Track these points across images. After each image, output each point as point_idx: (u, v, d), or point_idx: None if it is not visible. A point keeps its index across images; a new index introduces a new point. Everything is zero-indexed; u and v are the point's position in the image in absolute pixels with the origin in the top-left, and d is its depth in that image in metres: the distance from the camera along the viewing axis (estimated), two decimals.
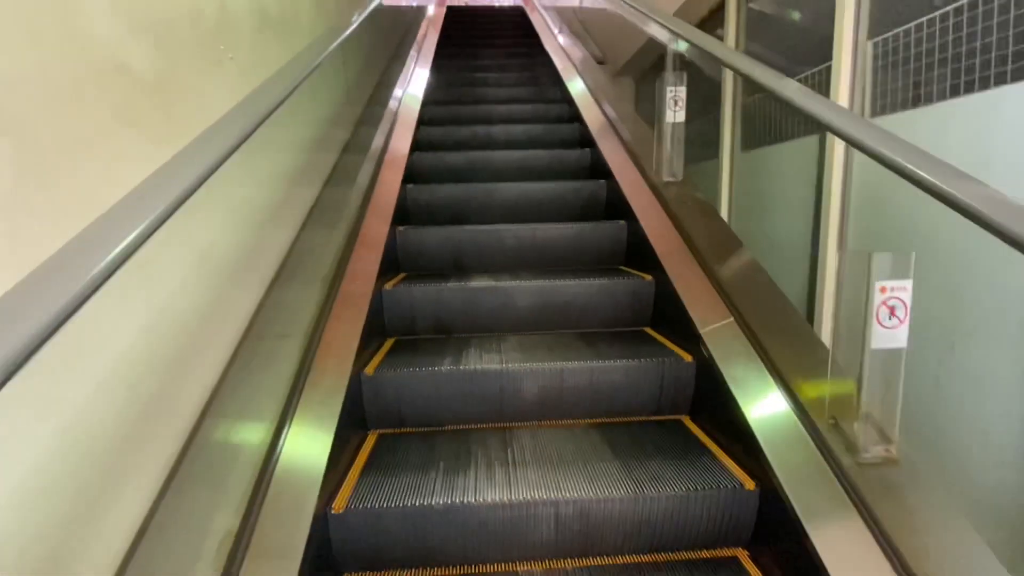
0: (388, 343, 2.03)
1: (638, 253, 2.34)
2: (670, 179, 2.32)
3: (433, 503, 1.32)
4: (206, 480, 1.14)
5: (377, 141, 2.81)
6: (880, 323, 1.12)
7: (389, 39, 4.20)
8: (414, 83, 3.89)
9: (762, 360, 1.52)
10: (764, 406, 1.42)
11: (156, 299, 1.14)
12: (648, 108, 3.35)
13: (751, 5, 3.34)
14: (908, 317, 1.12)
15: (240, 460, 1.19)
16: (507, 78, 4.79)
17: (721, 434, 1.57)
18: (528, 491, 1.35)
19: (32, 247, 0.84)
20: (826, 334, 2.46)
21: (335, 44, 1.92)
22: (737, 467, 1.43)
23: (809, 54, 2.67)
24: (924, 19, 2.01)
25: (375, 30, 3.58)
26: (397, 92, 3.53)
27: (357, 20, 2.29)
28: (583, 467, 1.46)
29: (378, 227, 2.26)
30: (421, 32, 5.03)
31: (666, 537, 1.37)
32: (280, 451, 1.27)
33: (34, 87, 0.89)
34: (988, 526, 1.75)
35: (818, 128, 2.57)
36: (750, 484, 1.36)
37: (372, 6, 2.63)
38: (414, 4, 6.09)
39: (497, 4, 9.10)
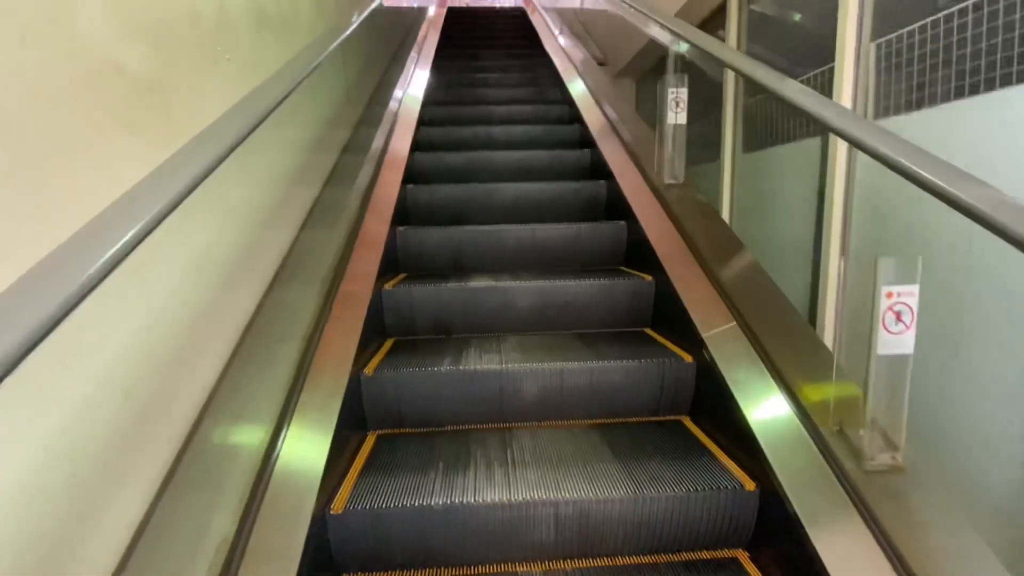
0: (388, 343, 2.03)
1: (638, 254, 2.34)
2: (671, 181, 2.31)
3: (432, 503, 1.32)
4: (204, 481, 1.14)
5: (377, 141, 2.81)
6: (886, 329, 1.11)
7: (389, 40, 4.20)
8: (414, 84, 3.89)
9: (764, 362, 1.52)
10: (765, 408, 1.41)
11: (154, 299, 1.14)
12: (648, 109, 3.35)
13: (752, 6, 3.33)
14: (915, 323, 1.11)
15: (238, 461, 1.19)
16: (507, 79, 4.80)
17: (721, 435, 1.56)
18: (528, 491, 1.35)
19: (24, 249, 0.83)
20: (828, 337, 2.46)
21: (334, 45, 1.92)
22: (737, 468, 1.43)
23: (811, 56, 2.66)
24: (928, 20, 1.99)
25: (375, 31, 3.58)
26: (397, 93, 3.53)
27: (356, 21, 2.29)
28: (583, 467, 1.45)
29: (378, 227, 2.26)
30: (421, 33, 5.03)
31: (666, 538, 1.37)
32: (278, 452, 1.26)
33: (26, 87, 0.88)
34: (994, 533, 1.74)
35: (820, 130, 2.56)
36: (750, 485, 1.35)
37: (371, 7, 2.63)
38: (415, 5, 6.10)
39: (498, 5, 9.11)
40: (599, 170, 2.94)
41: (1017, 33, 1.68)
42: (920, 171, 1.11)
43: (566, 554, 1.37)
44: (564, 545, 1.36)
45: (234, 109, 1.19)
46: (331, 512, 1.29)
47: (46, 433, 0.86)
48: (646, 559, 1.37)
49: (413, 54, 4.38)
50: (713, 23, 3.73)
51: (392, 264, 2.37)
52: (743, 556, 1.37)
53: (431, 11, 5.91)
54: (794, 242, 2.76)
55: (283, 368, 1.43)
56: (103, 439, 0.98)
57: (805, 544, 1.13)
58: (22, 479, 0.81)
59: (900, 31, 2.12)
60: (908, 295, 1.10)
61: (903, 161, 1.15)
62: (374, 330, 1.95)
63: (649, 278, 2.12)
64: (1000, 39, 1.73)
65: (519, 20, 6.59)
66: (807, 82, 2.64)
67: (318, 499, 1.21)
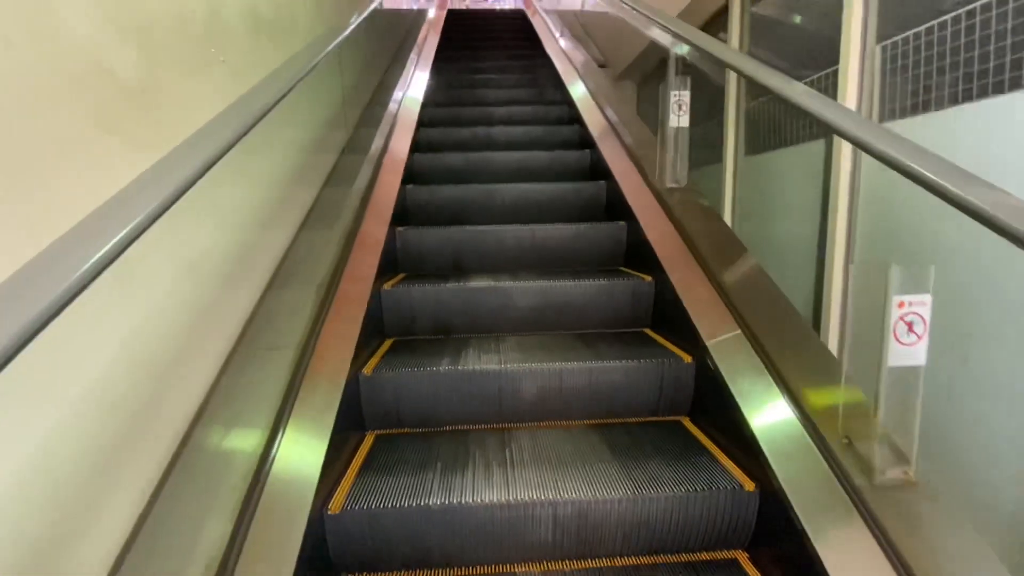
0: (387, 343, 2.02)
1: (638, 254, 2.33)
2: (673, 185, 2.29)
3: (430, 504, 1.31)
4: (201, 483, 1.13)
5: (377, 142, 2.81)
6: (898, 339, 1.08)
7: (389, 41, 4.20)
8: (414, 85, 3.89)
9: (764, 364, 1.51)
10: (766, 409, 1.40)
11: (147, 303, 1.14)
12: (649, 111, 3.35)
13: (755, 9, 3.32)
14: (927, 333, 1.07)
15: (234, 462, 1.18)
16: (507, 80, 4.80)
17: (721, 435, 1.56)
18: (526, 492, 1.34)
19: (2, 257, 0.80)
20: (833, 343, 2.44)
21: (332, 46, 1.91)
22: (737, 468, 1.42)
23: (814, 58, 2.65)
24: (935, 22, 1.96)
25: (375, 32, 3.59)
26: (397, 94, 3.53)
27: (354, 23, 2.29)
28: (582, 468, 1.45)
29: (377, 228, 2.25)
30: (422, 35, 5.03)
31: (665, 538, 1.36)
32: (275, 452, 1.26)
33: (7, 92, 0.86)
34: (1003, 542, 1.71)
35: (824, 133, 2.55)
36: (750, 485, 1.35)
37: (370, 8, 2.62)
38: (415, 7, 6.10)
39: (498, 7, 9.13)
40: (599, 171, 2.94)
41: None
42: (927, 173, 1.08)
43: (565, 555, 1.36)
44: (563, 546, 1.35)
45: (228, 110, 1.17)
46: (328, 512, 1.29)
47: (41, 434, 0.86)
48: (645, 560, 1.36)
49: (413, 55, 4.38)
50: (714, 26, 3.73)
51: (391, 264, 2.36)
52: (743, 557, 1.36)
53: (431, 13, 5.92)
54: (797, 246, 2.74)
55: (280, 369, 1.42)
56: (102, 437, 0.97)
57: (805, 545, 1.12)
58: (7, 488, 0.80)
59: (907, 33, 2.10)
60: (920, 305, 1.07)
61: (909, 163, 1.12)
62: (373, 330, 1.95)
63: (649, 278, 2.12)
64: (1009, 42, 1.71)
65: (519, 22, 6.60)
66: (811, 85, 2.63)
67: (315, 499, 1.21)
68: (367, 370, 1.70)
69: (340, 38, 2.03)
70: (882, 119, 2.25)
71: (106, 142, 1.06)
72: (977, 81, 1.81)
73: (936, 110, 1.98)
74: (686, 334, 1.77)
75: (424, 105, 3.71)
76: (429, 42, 4.93)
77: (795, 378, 1.41)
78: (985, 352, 1.79)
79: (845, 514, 1.15)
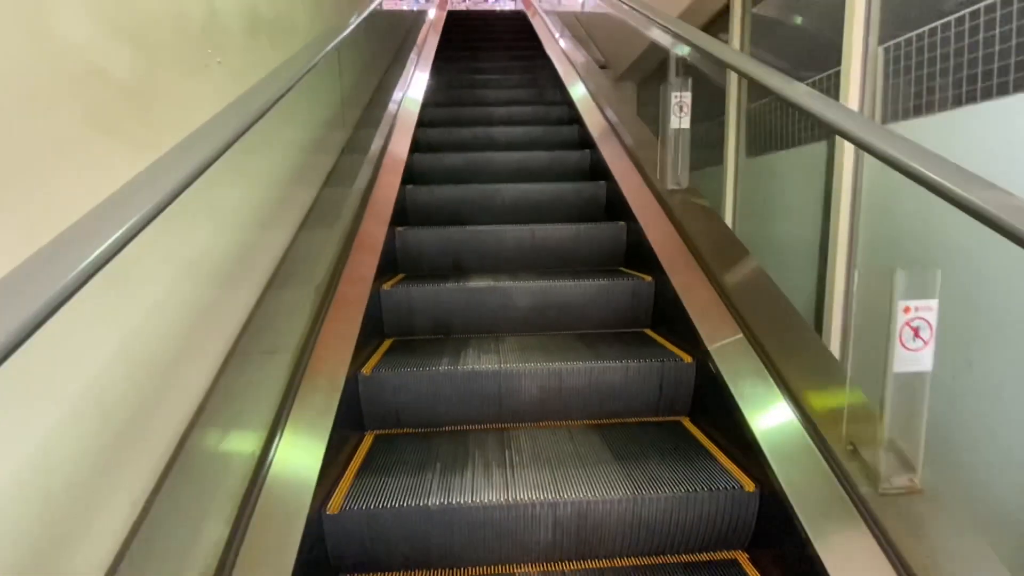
0: (386, 343, 2.02)
1: (638, 254, 2.33)
2: (674, 187, 2.27)
3: (430, 504, 1.31)
4: (200, 482, 1.13)
5: (376, 142, 2.81)
6: (903, 345, 1.05)
7: (389, 41, 4.20)
8: (414, 85, 3.89)
9: (764, 364, 1.51)
10: (766, 410, 1.40)
11: (149, 299, 1.13)
12: (649, 112, 3.34)
13: (756, 10, 3.32)
14: (933, 339, 1.05)
15: (233, 462, 1.18)
16: (507, 80, 4.80)
17: (721, 436, 1.55)
18: (526, 492, 1.34)
19: None
20: (835, 345, 2.43)
21: (331, 46, 1.91)
22: (737, 469, 1.42)
23: (816, 59, 2.64)
24: (938, 23, 1.95)
25: (375, 32, 3.59)
26: (397, 94, 3.53)
27: (353, 23, 2.29)
28: (581, 468, 1.44)
29: (376, 228, 2.25)
30: (422, 35, 5.03)
31: (665, 539, 1.36)
32: (274, 452, 1.25)
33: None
34: (1009, 548, 1.70)
35: (826, 134, 2.54)
36: (750, 486, 1.34)
37: (369, 9, 2.62)
38: (415, 8, 6.10)
39: (498, 8, 9.13)
40: (599, 171, 2.94)
41: None
42: (930, 174, 1.07)
43: (564, 555, 1.35)
44: (562, 546, 1.34)
45: (225, 111, 1.16)
46: (327, 512, 1.28)
47: (41, 431, 0.85)
48: (645, 560, 1.36)
49: (413, 56, 4.38)
50: (715, 27, 3.73)
51: (391, 265, 2.36)
52: (742, 557, 1.35)
53: (431, 13, 5.92)
54: (799, 248, 2.73)
55: (279, 369, 1.42)
56: (99, 437, 0.97)
57: (806, 546, 1.12)
58: (6, 492, 0.80)
59: (909, 34, 2.09)
60: (926, 310, 1.04)
61: (912, 164, 1.11)
62: (372, 330, 1.94)
63: (649, 279, 2.12)
64: (1015, 42, 1.69)
65: (520, 23, 6.59)
66: (812, 86, 2.63)
67: (314, 499, 1.20)
68: (366, 370, 1.70)
69: (338, 39, 2.02)
70: (884, 121, 2.24)
71: (102, 143, 1.05)
72: (981, 83, 1.79)
73: (939, 112, 1.96)
74: (686, 334, 1.77)
75: (424, 105, 3.71)
76: (429, 42, 4.93)
77: (795, 379, 1.41)
78: (990, 356, 1.77)
79: (846, 516, 1.14)
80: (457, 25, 6.18)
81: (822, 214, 2.54)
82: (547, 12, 6.08)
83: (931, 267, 1.05)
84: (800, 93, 1.50)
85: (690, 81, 2.20)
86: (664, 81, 2.24)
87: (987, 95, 1.78)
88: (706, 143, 3.69)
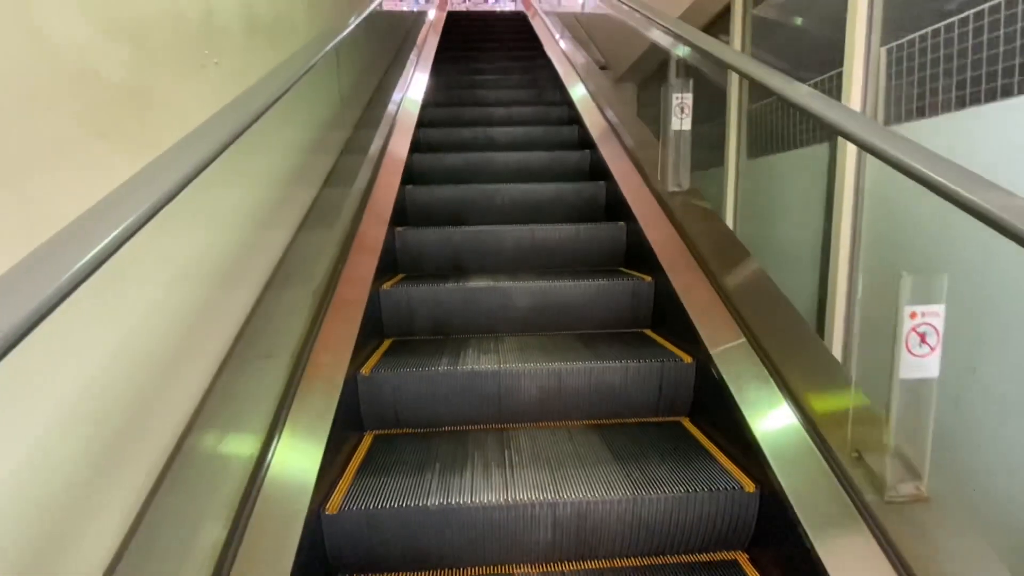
0: (385, 344, 2.01)
1: (638, 255, 2.33)
2: (676, 188, 2.26)
3: (429, 504, 1.30)
4: (198, 481, 1.12)
5: (376, 143, 2.80)
6: (910, 351, 1.04)
7: (389, 42, 4.20)
8: (414, 85, 3.89)
9: (764, 364, 1.51)
10: (766, 411, 1.40)
11: (148, 298, 1.13)
12: (650, 113, 3.33)
13: (756, 11, 3.31)
14: (940, 345, 1.04)
15: (232, 462, 1.18)
16: (507, 81, 4.80)
17: (721, 436, 1.55)
18: (525, 492, 1.33)
19: None
20: (837, 349, 2.41)
21: (329, 47, 1.90)
22: (737, 469, 1.41)
23: (817, 60, 2.62)
24: (942, 24, 1.93)
25: (374, 32, 3.59)
26: (397, 94, 3.53)
27: (351, 24, 2.28)
28: (581, 468, 1.44)
29: (376, 228, 2.25)
30: (421, 36, 5.03)
31: (665, 539, 1.35)
32: (273, 452, 1.25)
33: None
34: (1011, 551, 1.69)
35: (827, 136, 2.52)
36: (750, 486, 1.34)
37: (368, 10, 2.62)
38: (415, 9, 6.11)
39: (498, 10, 9.14)
40: (599, 171, 2.94)
41: None
42: (935, 176, 1.05)
43: (564, 556, 1.35)
44: (562, 547, 1.34)
45: (221, 113, 1.15)
46: (326, 512, 1.28)
47: (40, 428, 0.85)
48: (645, 561, 1.35)
49: (413, 56, 4.38)
50: (715, 28, 3.72)
51: (390, 265, 2.36)
52: (743, 558, 1.35)
53: (431, 14, 5.92)
54: (800, 251, 2.72)
55: (278, 369, 1.41)
56: (99, 435, 0.96)
57: (806, 547, 1.11)
58: (4, 491, 0.80)
59: (912, 35, 2.06)
60: (933, 315, 1.03)
61: (917, 166, 1.09)
62: (372, 330, 1.94)
63: (649, 279, 2.11)
64: (1018, 44, 1.67)
65: (520, 24, 6.59)
66: (814, 88, 2.61)
67: (313, 499, 1.20)
68: (365, 370, 1.69)
69: (338, 38, 2.02)
70: (887, 123, 2.22)
71: (97, 144, 1.03)
72: (985, 84, 1.78)
73: (943, 113, 1.94)
74: (686, 335, 1.76)
75: (424, 106, 3.71)
76: (429, 43, 4.93)
77: (796, 380, 1.41)
78: (995, 360, 1.75)
79: (847, 517, 1.13)
80: (457, 26, 6.18)
81: (824, 216, 2.53)
82: (547, 13, 6.08)
83: (936, 271, 1.04)
84: (802, 94, 1.48)
85: (691, 82, 2.19)
86: (665, 82, 2.23)
87: (991, 97, 1.76)
88: (707, 144, 3.68)
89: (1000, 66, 1.73)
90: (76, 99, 1.00)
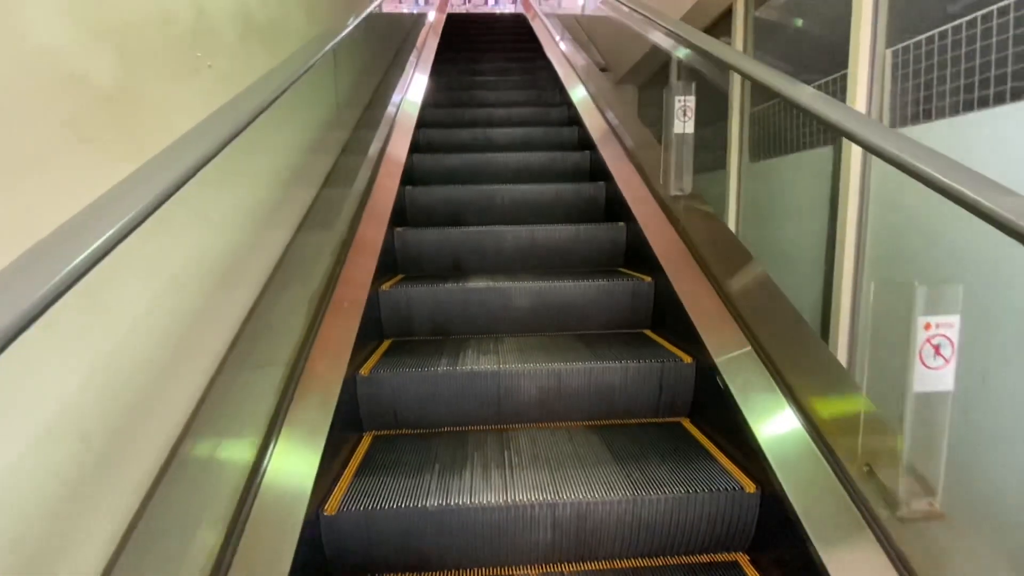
0: (385, 344, 2.01)
1: (637, 255, 2.32)
2: (678, 192, 2.24)
3: (428, 505, 1.30)
4: (197, 481, 1.12)
5: (375, 144, 2.80)
6: (924, 363, 1.01)
7: (389, 43, 4.20)
8: (413, 86, 3.88)
9: (764, 364, 1.50)
10: (766, 411, 1.39)
11: (148, 297, 1.13)
12: (651, 115, 3.32)
13: (758, 13, 3.30)
14: (955, 357, 1.01)
15: (230, 462, 1.17)
16: (508, 82, 4.80)
17: (721, 437, 1.54)
18: (525, 493, 1.33)
19: None
20: (842, 355, 2.38)
21: (327, 48, 1.89)
22: (737, 470, 1.41)
23: (821, 62, 2.60)
24: (949, 26, 1.90)
25: (374, 34, 3.58)
26: (396, 95, 3.53)
27: (349, 26, 2.28)
28: (581, 469, 1.43)
29: (375, 229, 2.24)
30: (421, 37, 5.03)
31: (665, 540, 1.34)
32: (271, 453, 1.24)
33: None
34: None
35: (832, 138, 2.50)
36: (751, 487, 1.33)
37: (366, 12, 2.61)
38: (414, 11, 6.10)
39: (498, 12, 9.14)
40: (599, 172, 2.93)
41: None
42: (948, 181, 1.01)
43: (563, 557, 1.34)
44: (561, 548, 1.33)
45: (213, 116, 1.12)
46: (324, 513, 1.27)
47: (34, 426, 0.84)
48: (645, 562, 1.34)
49: (412, 58, 4.38)
50: (717, 30, 3.72)
51: (390, 266, 2.35)
52: (743, 559, 1.34)
53: (431, 16, 5.92)
54: (804, 256, 2.69)
55: (277, 370, 1.41)
56: (99, 430, 0.96)
57: (808, 548, 1.11)
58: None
59: (919, 37, 2.04)
60: (948, 327, 1.00)
61: (931, 171, 1.05)
62: (371, 331, 1.94)
63: (648, 279, 2.11)
64: None
65: (520, 25, 6.60)
66: (817, 90, 2.58)
67: (311, 500, 1.19)
68: (364, 371, 1.69)
69: (333, 42, 2.00)
70: (893, 125, 2.19)
71: (82, 151, 1.00)
72: (994, 87, 1.75)
73: (951, 116, 1.91)
74: (686, 335, 1.76)
75: (424, 107, 3.71)
76: (429, 44, 4.93)
77: (798, 381, 1.40)
78: (1006, 368, 1.72)
79: (849, 518, 1.13)
80: (457, 28, 6.18)
81: (828, 220, 2.51)
82: (547, 15, 6.09)
83: (943, 276, 1.01)
84: (814, 98, 1.45)
85: (694, 85, 2.17)
86: (667, 85, 2.21)
87: (1000, 100, 1.73)
88: (708, 147, 3.66)
89: (1010, 69, 1.70)
90: (62, 104, 0.97)
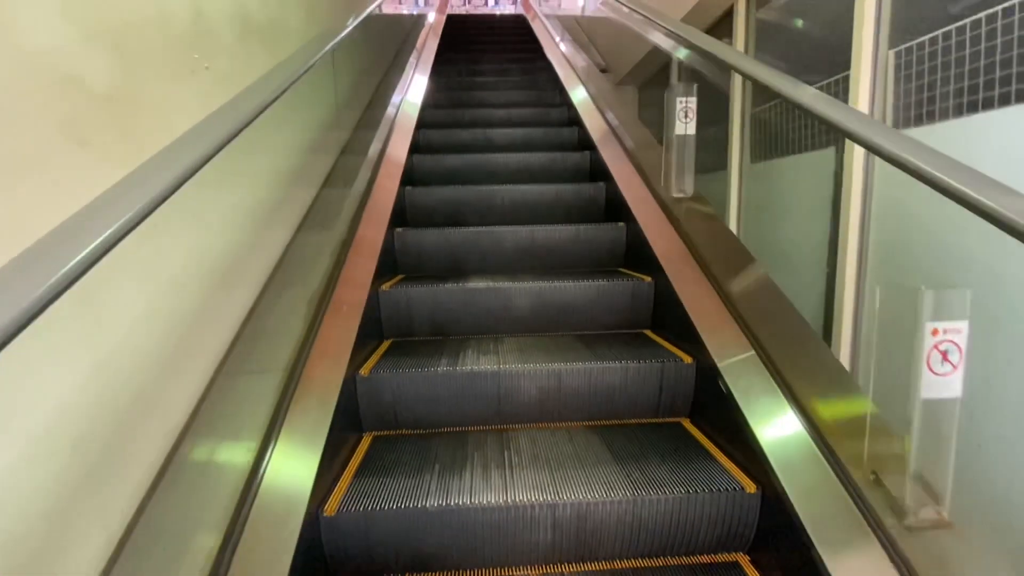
0: (385, 344, 2.01)
1: (637, 255, 2.32)
2: (680, 195, 2.21)
3: (428, 505, 1.29)
4: (196, 481, 1.12)
5: (375, 144, 2.80)
6: (931, 369, 0.99)
7: (388, 44, 4.20)
8: (413, 87, 3.89)
9: (765, 364, 1.50)
10: (767, 411, 1.39)
11: (147, 296, 1.12)
12: (651, 116, 3.31)
13: (760, 14, 3.30)
14: (963, 362, 0.99)
15: (230, 462, 1.17)
16: (508, 82, 4.80)
17: (722, 437, 1.54)
18: (525, 493, 1.32)
19: None
20: (844, 359, 2.37)
21: (325, 49, 1.88)
22: (738, 470, 1.40)
23: (823, 63, 2.59)
24: (953, 27, 1.87)
25: (373, 35, 3.58)
26: (396, 96, 3.53)
27: (349, 26, 2.27)
28: (581, 469, 1.43)
29: (375, 229, 2.24)
30: (421, 39, 5.03)
31: (665, 541, 1.34)
32: (271, 453, 1.24)
33: None
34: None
35: (834, 139, 2.49)
36: (751, 487, 1.33)
37: (365, 13, 2.61)
38: (414, 12, 6.11)
39: (498, 13, 9.15)
40: (599, 172, 2.93)
41: None
42: (951, 181, 1.00)
43: (563, 557, 1.34)
44: (561, 548, 1.33)
45: (213, 116, 1.12)
46: (324, 514, 1.27)
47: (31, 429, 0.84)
48: (645, 562, 1.34)
49: (412, 59, 4.38)
50: (718, 31, 3.71)
51: (390, 266, 2.35)
52: (744, 560, 1.34)
53: (431, 17, 5.92)
54: (806, 257, 2.67)
55: (276, 370, 1.41)
56: (102, 424, 0.96)
57: (809, 549, 1.10)
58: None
59: (922, 38, 2.01)
60: (955, 332, 0.98)
61: (930, 170, 1.04)
62: (371, 331, 1.93)
63: (648, 279, 2.11)
64: None
65: (520, 27, 6.60)
66: (819, 91, 2.57)
67: (311, 501, 1.19)
68: (364, 371, 1.68)
69: (334, 42, 2.00)
70: (896, 127, 2.17)
71: (77, 154, 0.99)
72: (999, 88, 1.72)
73: (954, 118, 1.89)
74: (687, 335, 1.75)
75: (423, 107, 3.71)
76: (428, 45, 4.93)
77: (799, 382, 1.40)
78: (1010, 372, 1.70)
79: (851, 520, 1.13)
80: (457, 29, 6.19)
81: (830, 222, 2.49)
82: (547, 16, 6.09)
83: (946, 275, 0.99)
84: (816, 99, 1.43)
85: (695, 86, 2.16)
86: (667, 85, 2.20)
87: (1005, 101, 1.71)
88: (709, 148, 3.65)
89: (1015, 70, 1.68)
90: (57, 107, 0.95)
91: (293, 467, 1.24)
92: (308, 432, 1.33)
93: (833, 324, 2.42)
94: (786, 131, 2.94)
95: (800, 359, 1.46)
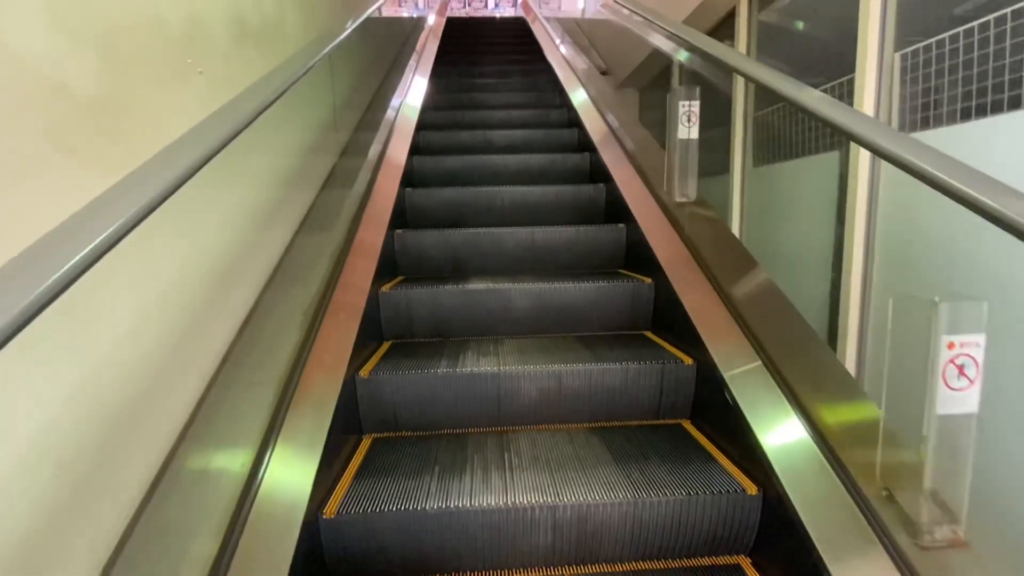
0: (384, 346, 2.00)
1: (638, 256, 2.32)
2: (683, 199, 2.19)
3: (427, 507, 1.29)
4: (196, 482, 1.11)
5: (375, 146, 2.80)
6: (947, 384, 0.96)
7: (388, 46, 4.20)
8: (413, 89, 3.89)
9: (765, 364, 1.49)
10: (768, 412, 1.38)
11: (148, 295, 1.12)
12: (652, 119, 3.30)
13: (762, 16, 3.29)
14: (980, 377, 0.96)
15: (230, 463, 1.17)
16: (508, 84, 4.81)
17: (722, 438, 1.53)
18: (525, 495, 1.32)
19: None
20: (850, 364, 2.35)
21: (323, 52, 1.87)
22: (739, 472, 1.40)
23: (827, 66, 2.57)
24: (960, 29, 1.84)
25: (373, 37, 3.59)
26: (396, 98, 3.53)
27: (348, 29, 2.27)
28: (581, 471, 1.42)
29: (375, 231, 2.24)
30: (421, 41, 5.04)
31: (666, 543, 1.34)
32: (270, 455, 1.24)
33: None
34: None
35: (838, 143, 2.47)
36: (752, 489, 1.32)
37: (364, 16, 2.61)
38: (414, 15, 6.11)
39: (498, 15, 9.17)
40: (599, 174, 2.93)
41: None
42: (957, 184, 0.98)
43: (564, 560, 1.33)
44: (562, 550, 1.32)
45: (210, 118, 1.11)
46: (323, 516, 1.27)
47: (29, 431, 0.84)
48: (646, 564, 1.34)
49: (412, 61, 4.38)
50: (719, 33, 3.71)
51: (390, 267, 2.35)
52: (745, 563, 1.33)
53: (431, 19, 5.93)
54: (810, 264, 2.66)
55: (276, 371, 1.40)
56: (88, 434, 0.95)
57: (810, 551, 1.10)
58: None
59: (928, 41, 1.99)
60: (972, 346, 0.95)
61: (937, 173, 1.02)
62: (370, 333, 1.93)
63: (649, 280, 2.10)
64: None
65: (520, 29, 6.61)
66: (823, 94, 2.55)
67: (310, 502, 1.19)
68: (364, 372, 1.68)
69: (332, 45, 1.99)
70: (902, 130, 2.15)
71: (64, 162, 0.97)
72: (1008, 92, 1.69)
73: (962, 122, 1.86)
74: (687, 336, 1.75)
75: (423, 109, 3.71)
76: (428, 48, 4.93)
77: (799, 383, 1.39)
78: (1020, 380, 1.65)
79: (853, 522, 1.12)
80: (457, 31, 6.19)
81: (835, 227, 2.48)
82: (547, 18, 6.10)
83: (960, 288, 0.96)
84: (820, 102, 1.41)
85: (698, 89, 2.14)
86: (668, 88, 2.18)
87: (1015, 105, 1.68)
88: (711, 151, 3.64)
89: (1023, 74, 1.68)
90: (43, 114, 0.93)
91: (292, 469, 1.24)
92: (308, 434, 1.33)
93: (838, 330, 2.41)
94: (789, 134, 2.92)
95: (803, 362, 1.45)
